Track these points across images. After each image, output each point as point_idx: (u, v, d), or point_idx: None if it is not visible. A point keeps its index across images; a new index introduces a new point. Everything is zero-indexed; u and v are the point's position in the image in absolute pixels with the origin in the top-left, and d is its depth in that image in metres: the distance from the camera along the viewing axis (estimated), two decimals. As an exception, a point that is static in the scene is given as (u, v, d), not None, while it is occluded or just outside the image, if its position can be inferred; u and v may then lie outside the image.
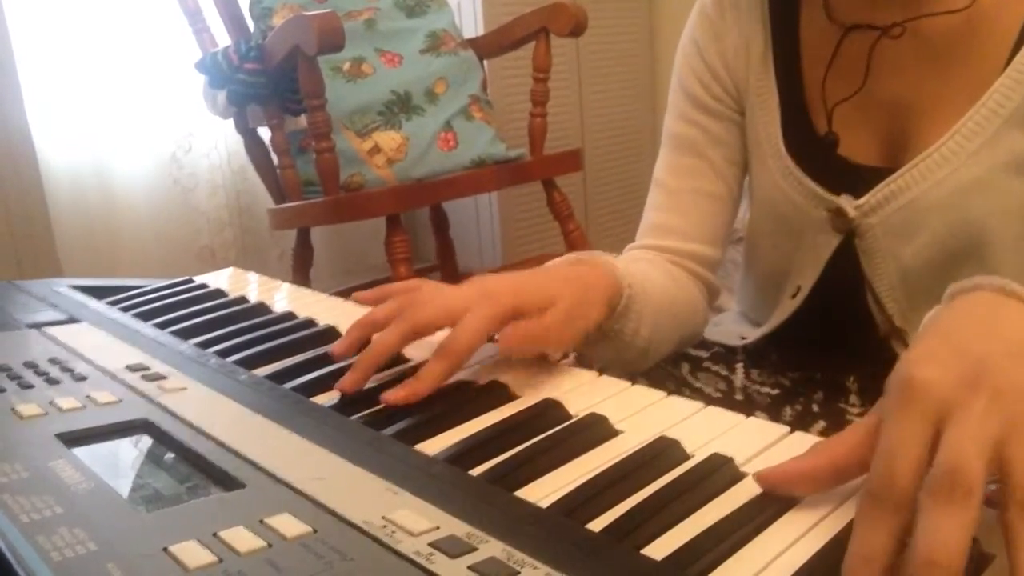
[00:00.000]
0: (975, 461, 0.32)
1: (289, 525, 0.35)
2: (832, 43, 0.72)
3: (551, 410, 0.50)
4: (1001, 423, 0.33)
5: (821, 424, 0.74)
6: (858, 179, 0.70)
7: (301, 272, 2.03)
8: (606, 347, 0.69)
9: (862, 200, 0.70)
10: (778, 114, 0.76)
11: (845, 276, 0.73)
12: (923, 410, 0.34)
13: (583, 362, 0.73)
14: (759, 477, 0.40)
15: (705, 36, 0.80)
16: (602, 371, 0.56)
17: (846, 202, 0.71)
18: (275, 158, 1.90)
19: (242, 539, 0.34)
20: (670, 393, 0.52)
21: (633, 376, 0.80)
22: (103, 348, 0.63)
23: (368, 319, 0.59)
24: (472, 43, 2.06)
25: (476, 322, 0.54)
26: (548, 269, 0.66)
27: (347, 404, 0.52)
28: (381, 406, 0.51)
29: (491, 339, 0.59)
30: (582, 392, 0.53)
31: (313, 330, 0.67)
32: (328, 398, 0.54)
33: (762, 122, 0.77)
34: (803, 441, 0.44)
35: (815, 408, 0.76)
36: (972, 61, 0.66)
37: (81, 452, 0.43)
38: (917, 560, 0.31)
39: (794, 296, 0.77)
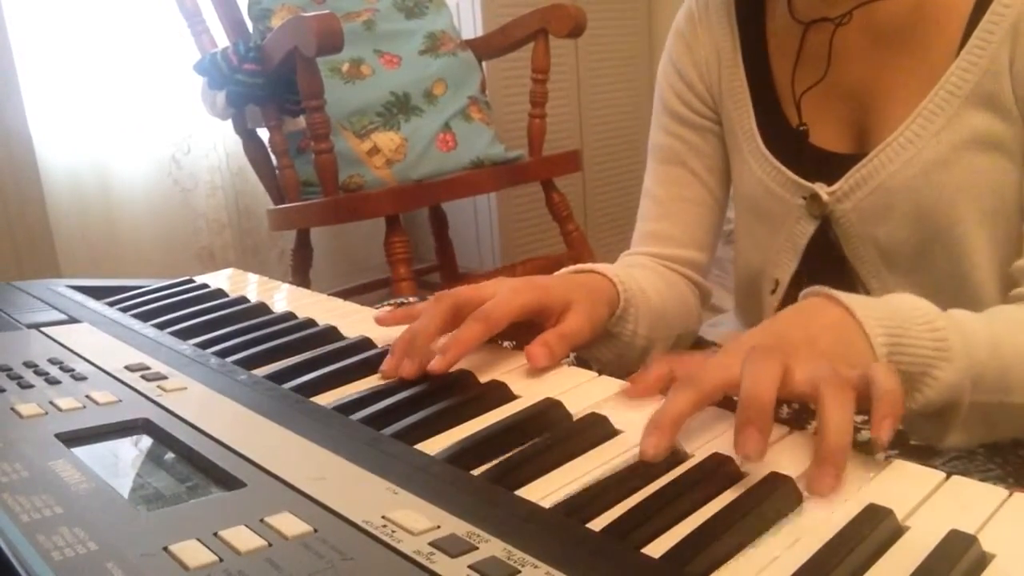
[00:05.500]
0: (762, 384, 0.44)
1: (289, 524, 0.35)
2: (797, 39, 0.76)
3: (551, 410, 0.50)
4: (780, 360, 0.45)
5: None
6: (830, 166, 0.74)
7: (300, 273, 2.03)
8: (609, 348, 0.71)
9: (834, 187, 0.73)
10: (752, 110, 0.79)
11: (826, 267, 0.75)
12: (734, 353, 0.47)
13: (583, 362, 0.73)
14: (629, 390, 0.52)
15: (680, 52, 0.85)
16: (602, 371, 0.56)
17: (820, 188, 0.74)
18: (274, 159, 1.90)
19: (242, 538, 0.34)
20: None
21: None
22: (103, 348, 0.63)
23: (408, 333, 0.58)
24: (471, 44, 2.06)
25: (511, 298, 0.59)
26: (556, 277, 0.69)
27: (347, 404, 0.52)
28: (381, 406, 0.51)
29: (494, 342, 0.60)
30: (582, 392, 0.53)
31: (313, 330, 0.67)
32: (328, 398, 0.54)
33: (738, 120, 0.81)
34: (802, 441, 0.45)
35: (812, 406, 0.77)
36: (926, 46, 0.69)
37: (81, 452, 0.43)
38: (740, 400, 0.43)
39: (773, 291, 0.79)
